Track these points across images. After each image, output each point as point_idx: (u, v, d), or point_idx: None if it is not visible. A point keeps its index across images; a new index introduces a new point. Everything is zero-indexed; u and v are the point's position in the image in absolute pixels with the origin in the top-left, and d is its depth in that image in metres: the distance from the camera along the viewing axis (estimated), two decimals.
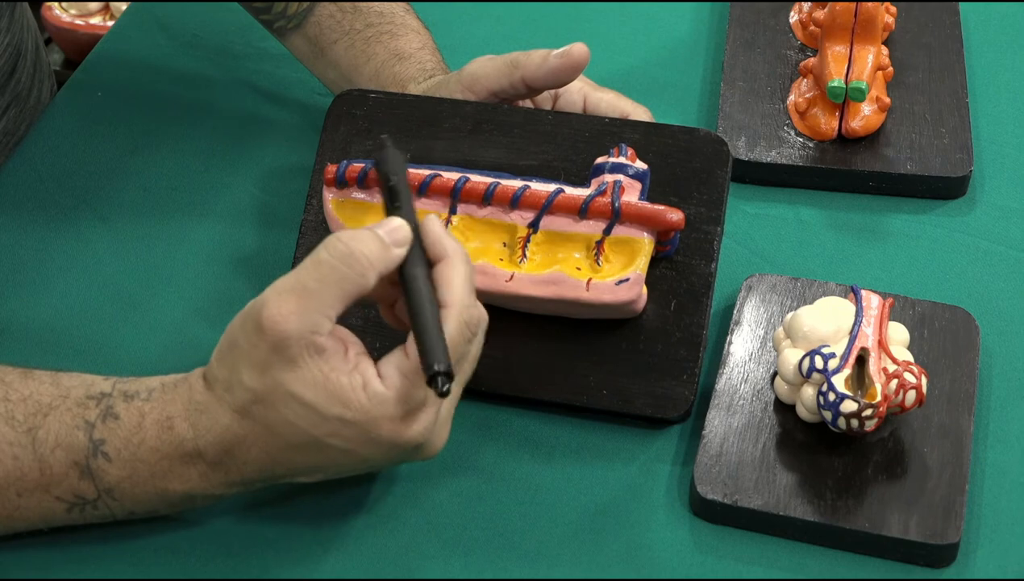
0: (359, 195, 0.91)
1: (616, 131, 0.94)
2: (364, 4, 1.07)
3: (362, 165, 0.92)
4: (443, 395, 0.74)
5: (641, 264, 0.88)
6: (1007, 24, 1.22)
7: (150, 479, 0.79)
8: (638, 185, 0.90)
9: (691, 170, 0.93)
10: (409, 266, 0.79)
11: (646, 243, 0.88)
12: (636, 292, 0.88)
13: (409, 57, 1.05)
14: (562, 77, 0.96)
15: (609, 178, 0.90)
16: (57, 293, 1.00)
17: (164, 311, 0.99)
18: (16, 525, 0.81)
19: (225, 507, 0.85)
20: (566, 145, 0.94)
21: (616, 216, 0.88)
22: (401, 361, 0.77)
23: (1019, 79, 1.16)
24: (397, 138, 0.95)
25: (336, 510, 0.85)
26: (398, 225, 0.80)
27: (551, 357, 0.90)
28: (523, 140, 0.95)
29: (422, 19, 1.09)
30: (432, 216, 0.81)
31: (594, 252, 0.89)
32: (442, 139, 0.96)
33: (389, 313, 0.83)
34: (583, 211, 0.89)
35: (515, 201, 0.90)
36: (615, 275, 0.88)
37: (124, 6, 1.90)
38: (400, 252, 0.79)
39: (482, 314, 0.80)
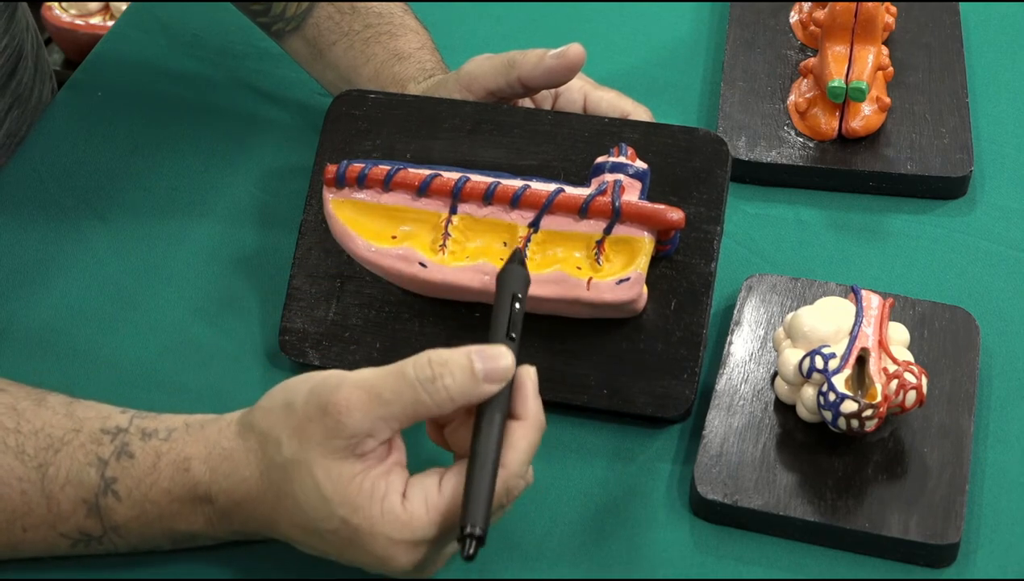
0: (359, 195, 0.91)
1: (616, 131, 0.94)
2: (362, 5, 1.07)
3: (362, 165, 0.92)
4: (467, 559, 0.72)
5: (641, 263, 0.88)
6: (1007, 24, 1.22)
7: (158, 520, 0.79)
8: (638, 184, 0.90)
9: (691, 170, 0.93)
10: (492, 408, 0.76)
11: (646, 242, 0.88)
12: (636, 291, 0.88)
13: (408, 57, 1.05)
14: (558, 77, 0.96)
15: (609, 177, 0.90)
16: (57, 293, 1.00)
17: (164, 311, 0.99)
18: (19, 556, 0.81)
19: None
20: (566, 145, 0.94)
21: (616, 215, 0.88)
22: (431, 492, 0.75)
23: (1019, 79, 1.16)
24: (399, 139, 0.96)
25: None
26: (501, 360, 0.76)
27: (551, 357, 0.90)
28: (523, 140, 0.95)
29: (421, 19, 1.09)
30: (530, 368, 0.78)
31: (594, 251, 0.89)
32: (442, 139, 0.96)
33: (436, 432, 0.80)
34: (583, 211, 0.89)
35: (515, 201, 0.90)
36: (615, 274, 0.88)
37: (124, 6, 1.90)
38: (492, 389, 0.75)
39: (527, 484, 0.78)
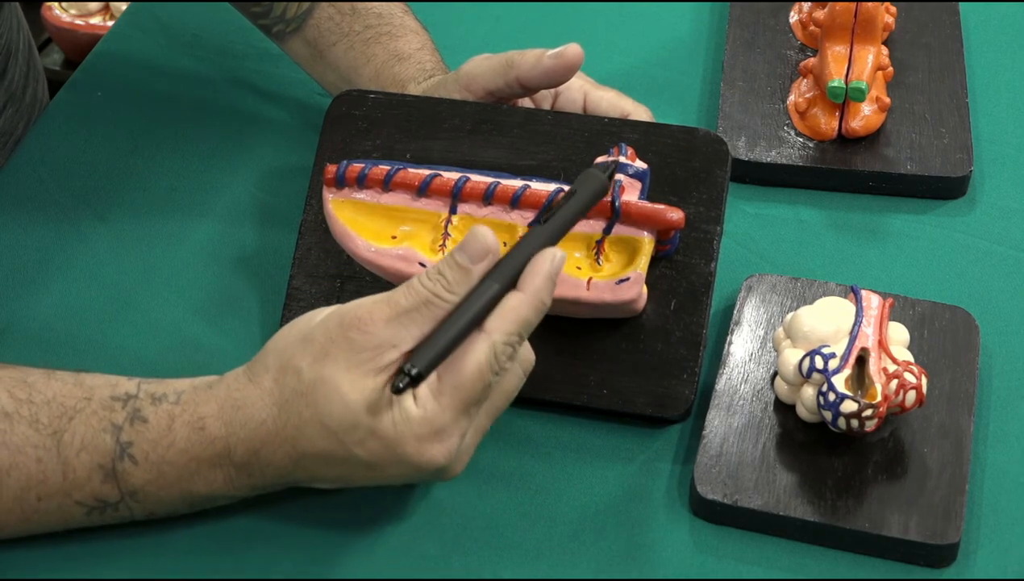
0: (359, 195, 0.91)
1: (616, 131, 0.94)
2: (362, 5, 1.07)
3: (362, 165, 0.92)
4: (396, 391, 0.74)
5: (641, 263, 0.88)
6: (1007, 24, 1.22)
7: (176, 481, 0.79)
8: (638, 184, 0.90)
9: (690, 170, 0.93)
10: (491, 276, 0.78)
11: (646, 242, 0.88)
12: (636, 291, 0.88)
13: (408, 58, 1.05)
14: (556, 78, 0.96)
15: None
16: (57, 293, 1.00)
17: (164, 311, 0.99)
18: (32, 529, 0.81)
19: (225, 506, 0.85)
20: (566, 145, 0.94)
21: (616, 215, 0.88)
22: (432, 382, 0.77)
23: (1019, 79, 1.16)
24: (399, 139, 0.96)
25: (335, 510, 0.85)
26: (477, 239, 0.78)
27: (551, 357, 0.90)
28: (523, 140, 0.95)
29: (421, 19, 1.09)
30: (559, 253, 0.80)
31: (594, 251, 0.89)
32: (442, 139, 0.96)
33: None
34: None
35: (515, 201, 0.90)
36: (615, 274, 0.88)
37: (124, 6, 1.90)
38: (484, 267, 0.78)
39: (525, 356, 0.80)
